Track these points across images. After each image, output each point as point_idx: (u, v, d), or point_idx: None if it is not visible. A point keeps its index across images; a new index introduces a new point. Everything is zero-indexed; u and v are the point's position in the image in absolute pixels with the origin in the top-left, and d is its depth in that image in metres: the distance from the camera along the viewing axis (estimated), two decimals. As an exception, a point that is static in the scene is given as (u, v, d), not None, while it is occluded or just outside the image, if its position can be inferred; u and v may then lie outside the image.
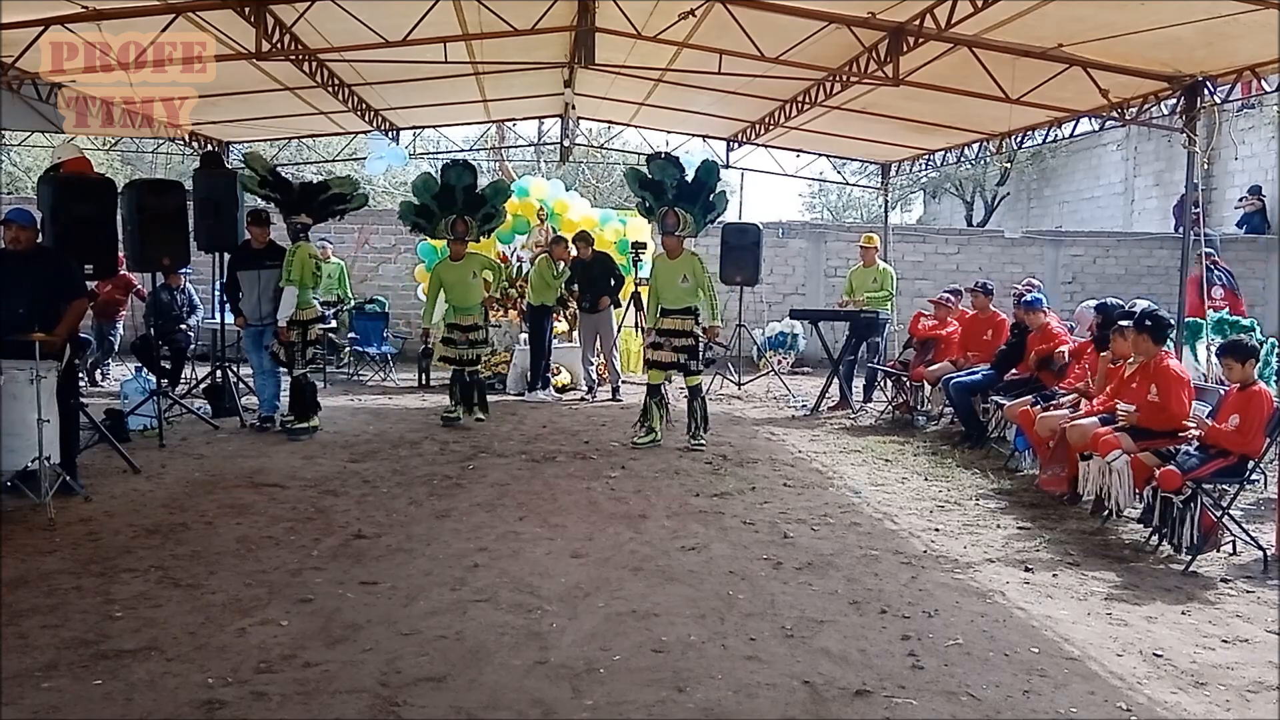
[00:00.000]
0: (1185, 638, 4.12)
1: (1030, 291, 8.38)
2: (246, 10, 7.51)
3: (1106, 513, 5.81)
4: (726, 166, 13.76)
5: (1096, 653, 3.91)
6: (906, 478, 7.16)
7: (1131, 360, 6.24)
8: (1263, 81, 7.46)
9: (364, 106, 12.04)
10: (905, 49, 7.71)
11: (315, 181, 8.50)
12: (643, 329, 8.16)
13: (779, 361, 13.32)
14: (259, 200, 8.63)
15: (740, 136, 13.66)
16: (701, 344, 8.23)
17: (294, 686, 3.40)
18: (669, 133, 14.59)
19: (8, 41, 7.53)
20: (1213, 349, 8.31)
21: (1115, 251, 15.42)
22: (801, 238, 15.47)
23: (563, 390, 10.97)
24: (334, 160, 17.30)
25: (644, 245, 11.42)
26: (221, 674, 3.48)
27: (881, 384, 10.50)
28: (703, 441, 8.00)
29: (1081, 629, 4.17)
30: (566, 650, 3.78)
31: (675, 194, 8.06)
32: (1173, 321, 6.67)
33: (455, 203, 8.69)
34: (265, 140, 14.33)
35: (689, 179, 8.07)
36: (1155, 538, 5.42)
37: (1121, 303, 7.28)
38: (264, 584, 4.44)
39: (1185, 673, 3.76)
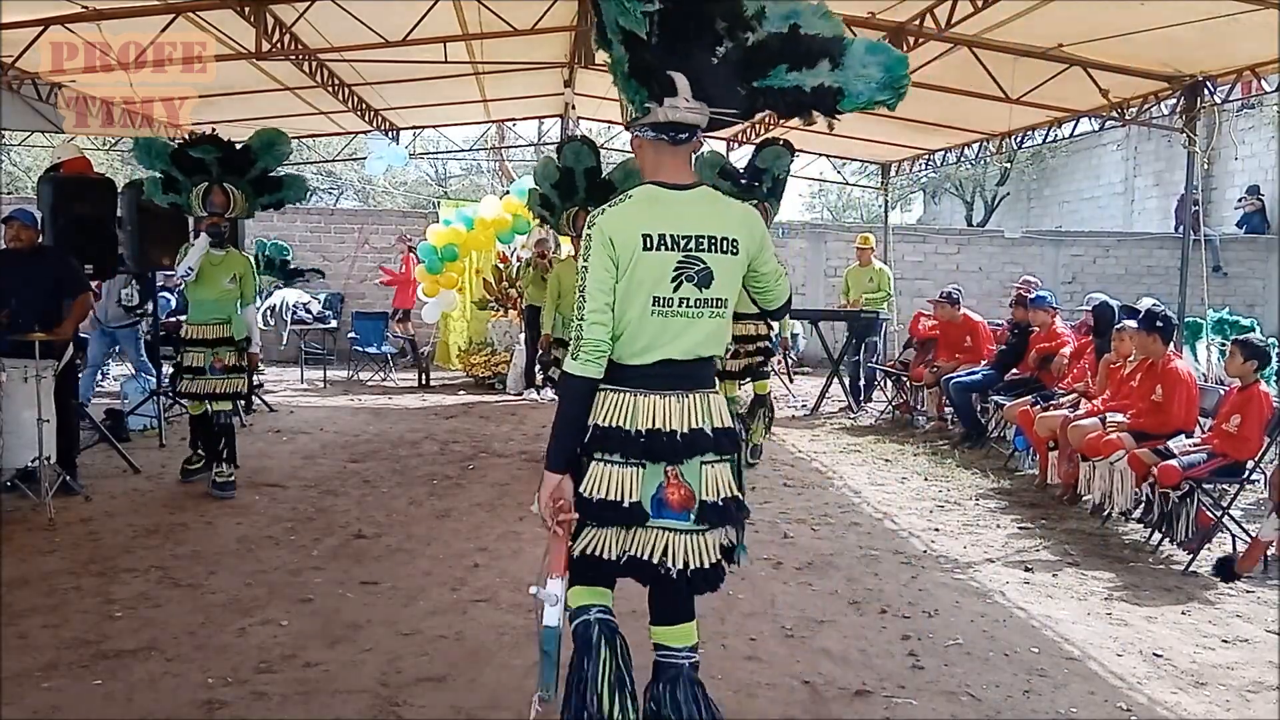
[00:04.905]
0: (1185, 638, 4.12)
1: (1033, 290, 8.37)
2: (246, 10, 7.52)
3: (1107, 513, 5.81)
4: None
5: (1096, 653, 3.91)
6: (906, 478, 7.16)
7: (1132, 358, 6.24)
8: (1263, 81, 7.47)
9: (364, 106, 12.03)
10: (905, 49, 7.71)
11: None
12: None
13: (779, 361, 13.30)
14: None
15: (740, 137, 13.64)
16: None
17: (294, 686, 3.39)
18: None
19: (8, 41, 7.53)
20: (1213, 349, 8.33)
21: (1115, 251, 15.41)
22: (801, 238, 15.47)
23: (563, 390, 10.96)
24: (334, 160, 17.30)
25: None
26: (221, 674, 3.47)
27: (881, 384, 10.50)
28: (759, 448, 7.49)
29: (1081, 629, 4.17)
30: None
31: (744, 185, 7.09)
32: (1176, 321, 6.66)
33: (577, 190, 7.16)
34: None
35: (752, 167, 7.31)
36: (1155, 535, 5.42)
37: (1120, 302, 7.28)
38: (264, 584, 4.44)
39: (1185, 673, 3.76)
